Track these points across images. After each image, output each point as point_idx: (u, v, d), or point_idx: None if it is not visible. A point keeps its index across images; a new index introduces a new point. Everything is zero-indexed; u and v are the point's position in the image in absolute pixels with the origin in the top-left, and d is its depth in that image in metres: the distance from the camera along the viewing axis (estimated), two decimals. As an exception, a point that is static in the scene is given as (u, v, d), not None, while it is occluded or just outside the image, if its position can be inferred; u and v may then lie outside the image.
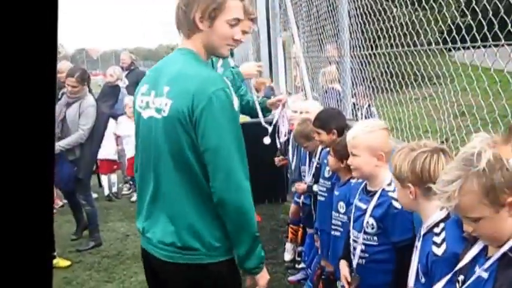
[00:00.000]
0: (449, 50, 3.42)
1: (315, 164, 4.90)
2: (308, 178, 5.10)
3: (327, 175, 4.46)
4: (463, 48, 3.09)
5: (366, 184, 3.39)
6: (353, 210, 3.42)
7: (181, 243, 2.69)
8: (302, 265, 5.82)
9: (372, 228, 3.18)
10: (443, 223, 2.51)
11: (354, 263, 3.34)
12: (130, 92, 10.86)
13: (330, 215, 4.20)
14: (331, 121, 4.45)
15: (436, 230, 2.50)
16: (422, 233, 2.61)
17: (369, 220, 3.19)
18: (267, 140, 5.40)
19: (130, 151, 9.57)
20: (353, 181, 3.98)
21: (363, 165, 3.25)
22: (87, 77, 7.21)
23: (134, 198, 9.73)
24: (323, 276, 4.71)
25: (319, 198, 4.61)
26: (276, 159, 6.38)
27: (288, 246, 6.34)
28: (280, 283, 5.77)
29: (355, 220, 3.36)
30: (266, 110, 5.49)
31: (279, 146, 5.76)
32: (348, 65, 5.02)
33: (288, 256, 6.30)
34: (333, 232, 4.17)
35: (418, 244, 2.63)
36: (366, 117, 5.02)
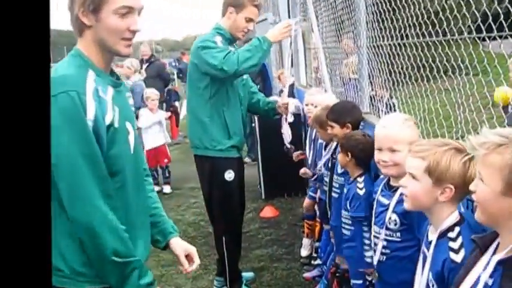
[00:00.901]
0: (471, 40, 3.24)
1: (328, 155, 4.77)
2: (322, 170, 4.98)
3: (340, 171, 4.31)
4: (479, 39, 2.91)
5: (388, 179, 3.25)
6: (375, 206, 3.28)
7: (53, 261, 2.32)
8: (318, 261, 5.70)
9: (395, 224, 3.05)
10: (458, 227, 2.35)
11: (375, 259, 3.22)
12: (150, 84, 10.85)
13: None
14: (346, 114, 4.30)
15: (451, 234, 2.35)
16: (433, 238, 2.44)
17: (391, 216, 3.06)
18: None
19: (149, 143, 9.53)
20: (359, 180, 3.85)
21: (404, 160, 3.04)
22: None
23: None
24: (338, 274, 4.60)
25: (333, 194, 4.48)
26: (294, 154, 6.24)
27: (305, 241, 6.22)
28: (295, 280, 5.67)
29: (376, 216, 3.23)
30: (274, 114, 5.39)
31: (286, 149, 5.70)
32: (364, 57, 4.84)
33: (304, 252, 6.18)
34: (343, 230, 4.03)
35: (428, 251, 2.44)
36: (386, 111, 4.85)
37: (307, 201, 6.02)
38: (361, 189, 3.80)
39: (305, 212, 6.14)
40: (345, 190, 4.01)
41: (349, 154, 3.86)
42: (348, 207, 3.89)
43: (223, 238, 5.14)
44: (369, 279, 3.76)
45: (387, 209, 3.10)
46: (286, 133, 5.45)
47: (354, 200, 3.82)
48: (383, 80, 4.61)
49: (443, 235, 2.38)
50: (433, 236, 2.44)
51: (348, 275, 4.29)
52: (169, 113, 10.21)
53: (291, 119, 5.37)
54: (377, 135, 3.24)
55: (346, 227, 3.97)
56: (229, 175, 4.98)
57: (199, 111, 4.94)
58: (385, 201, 3.17)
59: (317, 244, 5.93)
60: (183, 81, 23.26)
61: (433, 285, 2.35)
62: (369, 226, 3.66)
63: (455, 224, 2.37)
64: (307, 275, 5.69)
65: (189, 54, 5.16)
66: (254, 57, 4.62)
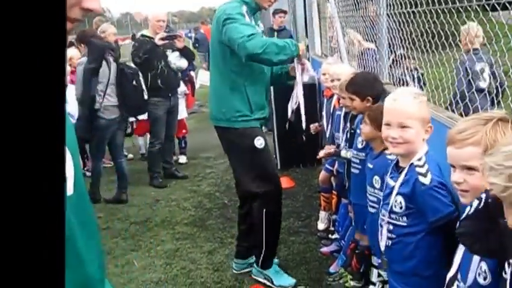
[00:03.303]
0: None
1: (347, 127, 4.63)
2: (342, 144, 4.82)
3: (360, 146, 4.16)
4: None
5: (397, 160, 3.10)
6: (384, 188, 3.16)
7: None
8: (336, 235, 5.60)
9: (400, 208, 2.90)
10: None
11: (382, 245, 3.08)
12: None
13: (365, 188, 3.93)
14: (367, 88, 4.15)
15: None
16: None
17: (396, 198, 2.92)
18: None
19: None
20: (388, 152, 3.71)
21: (415, 139, 2.89)
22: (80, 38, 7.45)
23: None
24: (357, 250, 4.49)
25: (352, 170, 4.32)
26: (312, 126, 6.10)
27: (322, 214, 6.11)
28: (312, 254, 5.57)
29: (384, 198, 3.10)
30: (288, 78, 5.14)
31: (289, 114, 5.43)
32: (384, 25, 4.67)
33: (321, 225, 6.08)
34: (369, 209, 3.85)
35: None
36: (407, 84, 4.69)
37: (323, 173, 5.89)
38: (392, 160, 3.66)
39: (321, 185, 6.01)
40: (370, 166, 3.85)
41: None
42: (375, 184, 3.74)
43: (263, 211, 4.84)
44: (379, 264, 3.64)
45: (392, 192, 2.97)
46: (296, 95, 5.20)
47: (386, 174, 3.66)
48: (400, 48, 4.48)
49: None
50: None
51: (369, 252, 4.19)
52: (187, 90, 10.16)
53: (306, 78, 5.11)
54: (387, 109, 3.03)
55: (374, 204, 3.82)
56: (259, 141, 4.71)
57: (221, 83, 4.72)
58: (391, 183, 3.02)
59: (334, 217, 5.83)
60: (199, 51, 23.24)
61: (485, 278, 2.10)
62: None
63: None
64: (324, 249, 5.59)
65: (212, 22, 4.94)
66: (278, 55, 4.37)
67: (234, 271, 5.32)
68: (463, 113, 3.39)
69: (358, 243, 4.46)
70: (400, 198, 2.89)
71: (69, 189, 1.38)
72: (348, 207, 4.88)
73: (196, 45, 23.40)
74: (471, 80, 4.17)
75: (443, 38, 3.70)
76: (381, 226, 3.07)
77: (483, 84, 5.57)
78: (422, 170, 2.78)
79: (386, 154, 3.71)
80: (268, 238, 4.93)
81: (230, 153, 5.01)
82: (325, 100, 5.72)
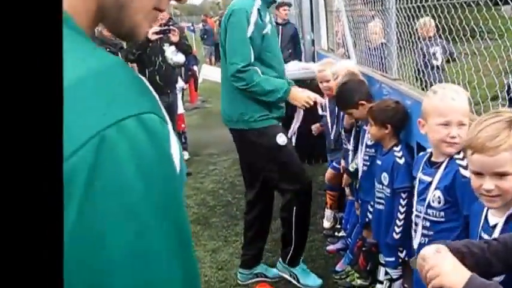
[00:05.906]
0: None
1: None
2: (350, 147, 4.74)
3: (369, 143, 4.10)
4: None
5: (430, 155, 3.02)
6: (416, 185, 3.09)
7: None
8: (342, 233, 5.53)
9: (439, 203, 2.84)
10: None
11: (416, 242, 3.02)
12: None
13: (374, 185, 3.88)
14: (354, 95, 4.14)
15: None
16: (496, 221, 2.18)
17: (435, 193, 2.86)
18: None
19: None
20: (396, 149, 3.65)
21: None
22: None
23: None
24: (364, 248, 4.42)
25: (363, 168, 4.27)
26: (313, 127, 6.05)
27: (328, 213, 6.04)
28: (318, 252, 5.50)
29: (419, 195, 3.03)
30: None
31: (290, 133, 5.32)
32: (393, 19, 4.57)
33: (327, 223, 6.01)
34: (376, 205, 3.86)
35: (490, 237, 2.14)
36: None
37: (329, 171, 5.80)
38: (400, 158, 3.60)
39: (328, 183, 5.93)
40: (379, 162, 3.80)
41: (388, 126, 3.65)
42: (383, 181, 3.70)
43: (293, 209, 4.68)
44: (402, 256, 3.59)
45: (429, 187, 2.90)
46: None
47: (394, 171, 3.62)
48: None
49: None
50: (495, 219, 2.19)
51: (375, 249, 4.13)
52: (185, 85, 10.03)
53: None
54: (446, 109, 2.87)
55: (381, 201, 3.77)
56: (282, 138, 4.54)
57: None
58: (427, 178, 2.94)
59: (340, 215, 5.76)
60: (205, 44, 23.17)
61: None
62: (407, 200, 3.45)
63: None
64: (331, 247, 5.50)
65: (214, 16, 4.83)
66: (263, 96, 4.36)
67: (240, 282, 5.08)
68: (424, 88, 3.45)
69: (365, 240, 4.40)
70: (438, 193, 2.84)
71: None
72: (355, 205, 4.81)
73: (205, 36, 23.30)
74: (428, 61, 4.96)
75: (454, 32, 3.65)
76: (416, 224, 3.02)
77: (436, 62, 6.42)
78: (464, 163, 2.71)
79: (395, 151, 3.66)
80: (297, 236, 4.80)
81: (250, 155, 4.79)
82: (327, 99, 5.60)
